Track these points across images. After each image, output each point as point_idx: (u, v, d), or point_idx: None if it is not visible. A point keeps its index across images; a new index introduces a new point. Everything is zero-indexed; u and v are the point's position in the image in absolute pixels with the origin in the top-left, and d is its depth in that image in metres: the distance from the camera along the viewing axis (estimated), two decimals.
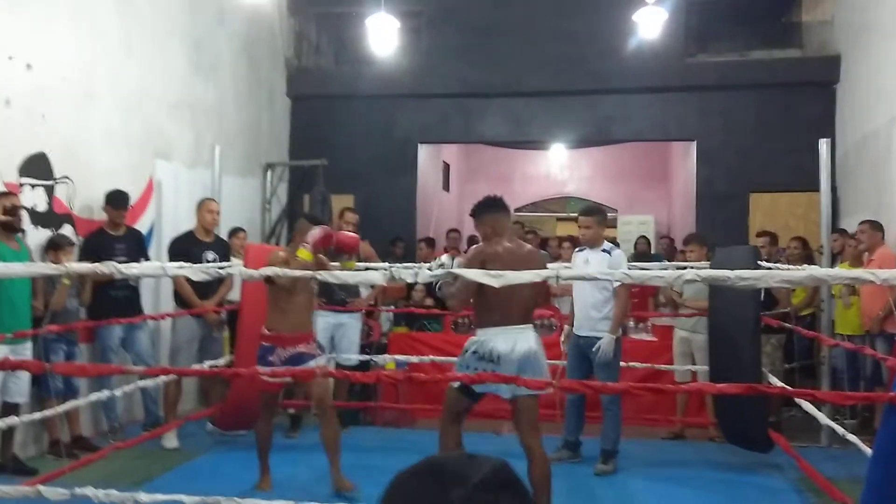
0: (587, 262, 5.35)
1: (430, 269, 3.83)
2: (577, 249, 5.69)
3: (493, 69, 9.68)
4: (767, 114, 9.16)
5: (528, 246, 4.48)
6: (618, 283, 4.91)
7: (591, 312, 5.31)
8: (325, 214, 8.41)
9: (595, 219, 5.46)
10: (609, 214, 14.01)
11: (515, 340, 3.96)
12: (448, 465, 0.91)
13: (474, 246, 4.29)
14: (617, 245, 9.22)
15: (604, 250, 5.35)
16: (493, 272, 3.31)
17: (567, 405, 5.50)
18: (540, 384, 3.57)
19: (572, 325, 5.48)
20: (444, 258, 4.12)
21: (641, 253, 9.92)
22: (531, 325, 4.13)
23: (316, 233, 4.47)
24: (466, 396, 4.07)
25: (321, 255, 4.66)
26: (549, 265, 5.05)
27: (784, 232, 8.22)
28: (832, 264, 6.42)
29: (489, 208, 4.24)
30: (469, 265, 3.86)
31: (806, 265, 6.45)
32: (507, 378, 3.54)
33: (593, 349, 5.23)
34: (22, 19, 5.49)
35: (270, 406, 4.81)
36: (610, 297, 5.27)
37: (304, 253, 4.39)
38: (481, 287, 3.58)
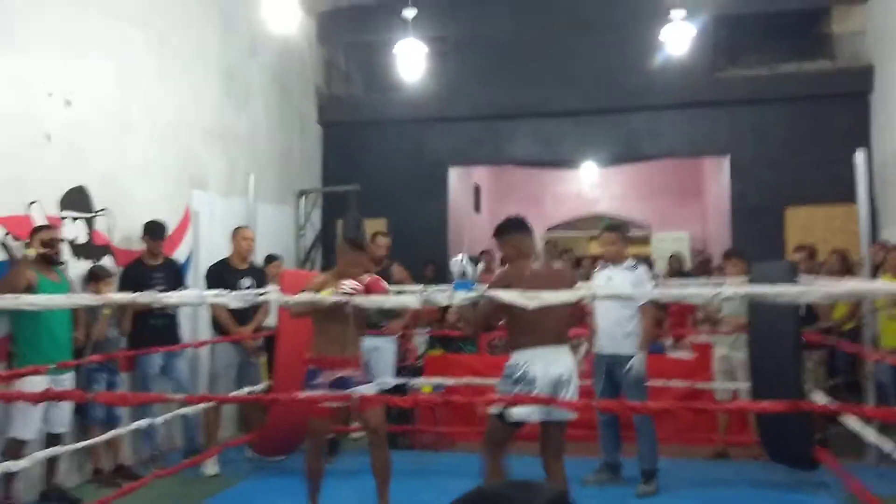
0: (610, 279, 5.28)
1: (453, 273, 3.83)
2: (598, 268, 5.63)
3: (521, 90, 9.71)
4: (800, 126, 9.07)
5: (558, 265, 4.49)
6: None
7: (615, 330, 5.24)
8: (359, 239, 8.46)
9: (618, 235, 5.42)
10: (643, 232, 14.08)
11: (550, 362, 3.93)
12: (505, 494, 0.88)
13: (500, 269, 4.24)
14: (649, 262, 9.21)
15: (627, 267, 5.30)
16: (528, 293, 3.27)
17: (600, 426, 5.44)
18: (576, 405, 3.52)
19: (591, 343, 5.43)
20: (466, 263, 3.93)
21: (675, 272, 9.81)
22: (566, 346, 4.08)
23: (353, 285, 4.33)
24: (506, 424, 3.97)
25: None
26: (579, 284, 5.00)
27: (821, 245, 8.09)
28: (873, 277, 6.29)
29: (511, 229, 4.20)
30: (493, 286, 3.81)
31: (846, 278, 6.34)
32: (541, 400, 3.51)
33: (624, 368, 5.18)
34: (60, 56, 5.63)
35: (320, 435, 4.60)
36: (634, 313, 5.20)
37: (329, 293, 4.25)
38: (513, 309, 3.52)
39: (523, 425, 4.02)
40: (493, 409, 3.96)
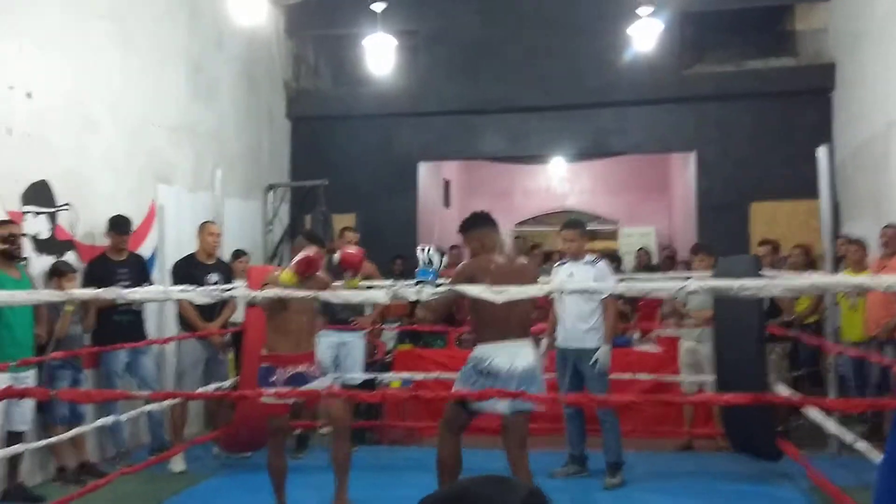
0: (572, 275, 5.32)
1: (418, 261, 3.86)
2: (557, 263, 5.68)
3: (490, 85, 9.73)
4: (765, 123, 9.20)
5: (522, 260, 4.48)
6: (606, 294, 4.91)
7: (578, 325, 5.28)
8: (327, 234, 8.43)
9: (578, 231, 5.47)
10: (610, 227, 14.18)
11: (514, 356, 3.97)
12: (480, 491, 0.87)
13: (464, 262, 4.27)
14: (616, 257, 9.28)
15: (587, 262, 5.35)
16: (495, 288, 3.29)
17: (566, 420, 5.48)
18: (541, 399, 3.56)
19: (551, 338, 5.47)
20: (432, 253, 3.94)
21: (643, 265, 9.90)
22: (529, 340, 4.12)
23: (299, 256, 4.27)
24: (465, 411, 4.06)
25: (322, 275, 4.63)
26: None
27: (785, 240, 8.21)
28: (835, 271, 6.41)
29: (476, 224, 4.25)
30: (456, 281, 3.88)
31: (809, 272, 6.45)
32: (507, 393, 3.54)
33: (589, 362, 5.22)
34: (21, 49, 5.52)
35: (281, 432, 4.57)
36: (596, 307, 5.25)
37: (287, 276, 4.23)
38: (478, 302, 3.61)
39: (480, 413, 4.07)
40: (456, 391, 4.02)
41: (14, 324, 4.92)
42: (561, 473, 5.39)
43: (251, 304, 4.25)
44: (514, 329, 4.00)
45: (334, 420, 4.52)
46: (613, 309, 5.36)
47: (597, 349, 5.23)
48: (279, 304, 4.29)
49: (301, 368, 4.49)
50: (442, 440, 4.13)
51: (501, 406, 3.86)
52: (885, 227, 6.35)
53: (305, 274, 4.28)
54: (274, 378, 4.42)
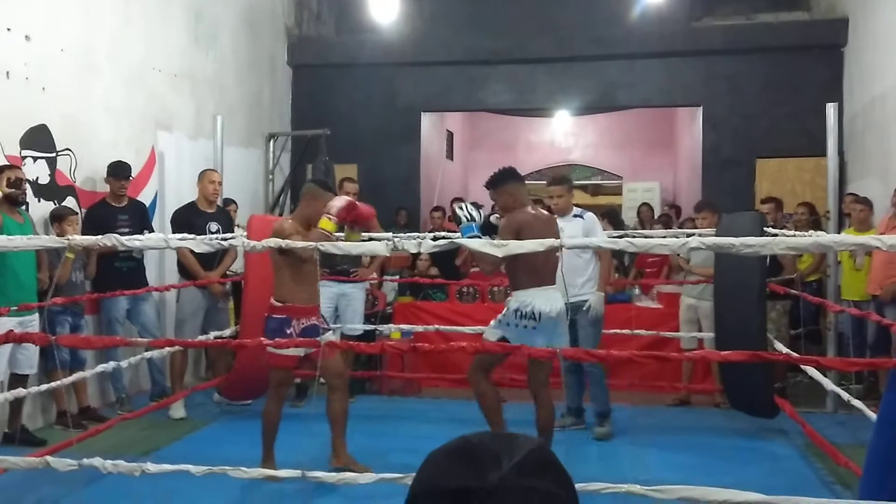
0: (562, 230, 5.22)
1: (459, 218, 4.22)
2: None
3: (496, 36, 9.57)
4: (774, 78, 9.05)
5: (545, 212, 4.78)
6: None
7: (574, 279, 5.22)
8: (329, 184, 8.37)
9: (565, 187, 5.52)
10: (614, 182, 14.08)
11: (552, 300, 4.33)
12: (484, 445, 0.88)
13: (508, 215, 4.41)
14: (617, 212, 9.22)
15: (575, 216, 5.39)
16: (496, 241, 3.36)
17: (563, 372, 5.49)
18: (540, 353, 3.74)
19: None
20: (471, 209, 4.29)
21: (646, 220, 9.84)
22: (555, 286, 4.43)
23: (341, 203, 4.21)
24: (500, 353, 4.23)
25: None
26: None
27: (791, 197, 8.16)
28: (840, 230, 6.37)
29: (508, 179, 4.48)
30: (505, 232, 4.21)
31: (813, 231, 6.41)
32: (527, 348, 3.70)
33: (583, 309, 5.29)
34: None
35: (283, 384, 4.55)
36: (590, 259, 5.37)
37: (327, 223, 4.12)
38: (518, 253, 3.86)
39: (509, 355, 4.27)
40: (490, 336, 4.35)
41: (18, 269, 4.94)
42: (557, 425, 5.43)
43: (282, 253, 4.09)
44: (548, 276, 4.39)
45: (330, 375, 4.50)
46: (607, 259, 5.53)
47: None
48: (307, 255, 4.08)
49: (314, 320, 4.47)
50: (481, 384, 4.41)
51: (540, 343, 4.12)
52: None
53: (346, 220, 4.35)
54: (290, 330, 4.33)
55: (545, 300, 4.31)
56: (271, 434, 4.48)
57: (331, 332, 4.75)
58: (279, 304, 4.40)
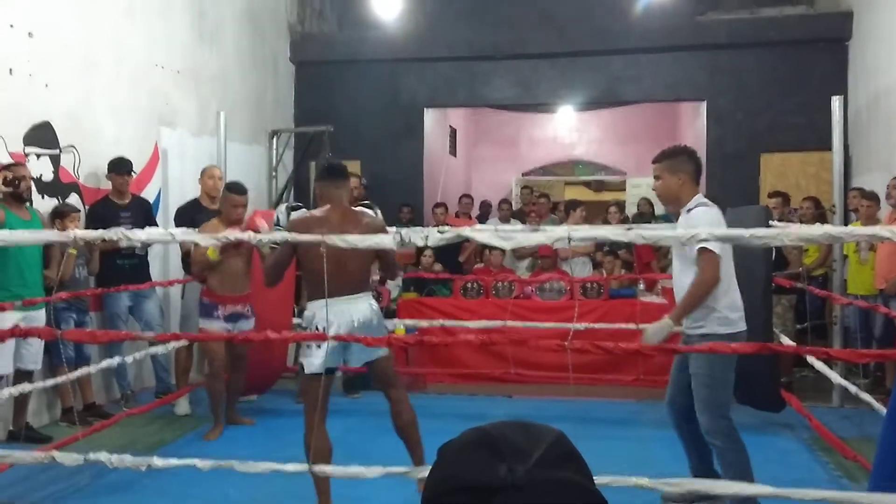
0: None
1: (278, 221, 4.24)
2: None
3: (499, 31, 9.55)
4: (779, 72, 9.02)
5: (363, 214, 4.08)
6: (700, 245, 3.61)
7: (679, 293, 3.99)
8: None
9: (664, 165, 4.05)
10: (618, 178, 14.05)
11: (344, 311, 3.72)
12: (506, 437, 0.85)
13: (301, 212, 4.07)
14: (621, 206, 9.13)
15: (689, 209, 3.85)
16: (503, 234, 3.29)
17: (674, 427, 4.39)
18: (379, 341, 3.57)
19: None
20: (282, 210, 4.32)
21: (644, 214, 9.80)
22: (367, 294, 3.90)
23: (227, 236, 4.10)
24: (317, 377, 3.71)
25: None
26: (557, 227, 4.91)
27: (795, 192, 8.13)
28: (846, 223, 6.35)
29: (319, 177, 4.05)
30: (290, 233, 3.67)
31: (819, 225, 6.38)
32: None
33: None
34: None
35: (220, 359, 5.25)
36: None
37: (211, 252, 5.00)
38: (307, 261, 3.66)
39: (335, 371, 3.89)
40: (303, 367, 3.75)
41: (22, 264, 4.93)
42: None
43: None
44: (346, 284, 3.74)
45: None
46: (704, 276, 3.71)
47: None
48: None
49: (238, 308, 5.28)
50: (311, 422, 3.68)
51: (354, 360, 3.88)
52: (895, 178, 6.25)
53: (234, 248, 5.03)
54: (217, 313, 5.23)
55: (337, 312, 3.65)
56: (217, 402, 5.32)
57: (251, 321, 5.36)
58: (209, 292, 5.26)
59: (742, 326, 3.79)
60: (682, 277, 3.83)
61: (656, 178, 3.97)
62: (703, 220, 3.59)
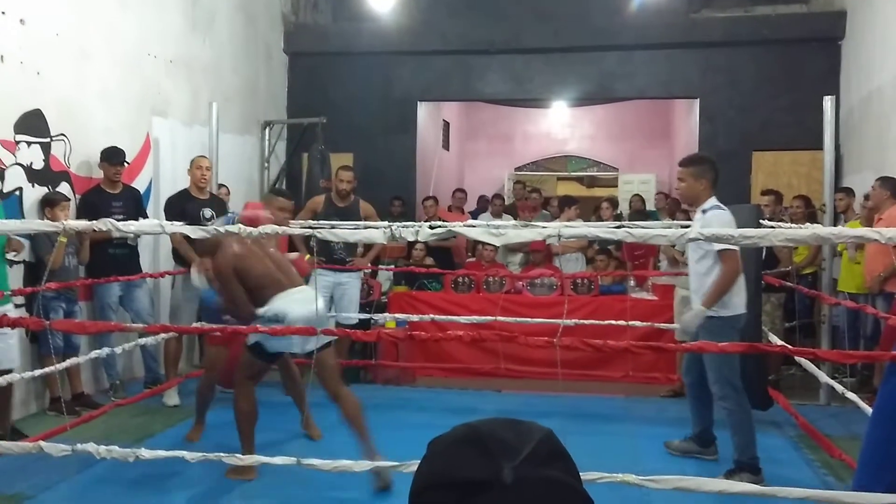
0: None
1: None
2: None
3: (494, 25, 9.54)
4: (772, 71, 9.05)
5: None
6: (720, 247, 4.12)
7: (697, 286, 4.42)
8: (325, 173, 8.36)
9: (690, 170, 4.41)
10: (610, 173, 14.07)
11: (293, 301, 4.11)
12: (495, 434, 0.85)
13: (218, 256, 4.23)
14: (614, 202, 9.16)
15: (704, 210, 4.33)
16: (493, 230, 3.32)
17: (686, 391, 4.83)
18: (310, 331, 3.72)
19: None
20: (195, 276, 4.61)
21: (636, 211, 9.83)
22: (302, 286, 4.31)
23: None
24: (260, 359, 4.19)
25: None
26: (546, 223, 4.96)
27: (787, 190, 8.16)
28: (835, 223, 6.38)
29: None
30: (224, 274, 4.13)
31: (809, 224, 6.41)
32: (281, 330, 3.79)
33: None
34: None
35: (218, 362, 5.03)
36: (712, 267, 4.25)
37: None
38: (248, 270, 4.09)
39: (277, 357, 4.36)
40: (250, 342, 4.13)
41: None
42: (676, 450, 4.85)
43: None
44: (284, 281, 4.26)
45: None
46: (727, 268, 4.23)
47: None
48: None
49: None
50: (240, 386, 4.29)
51: (296, 348, 4.19)
52: (878, 179, 6.28)
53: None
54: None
55: (287, 302, 4.10)
56: (203, 404, 5.11)
57: None
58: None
59: (742, 309, 4.33)
60: (696, 265, 4.37)
61: (680, 179, 4.42)
62: (716, 222, 4.10)
